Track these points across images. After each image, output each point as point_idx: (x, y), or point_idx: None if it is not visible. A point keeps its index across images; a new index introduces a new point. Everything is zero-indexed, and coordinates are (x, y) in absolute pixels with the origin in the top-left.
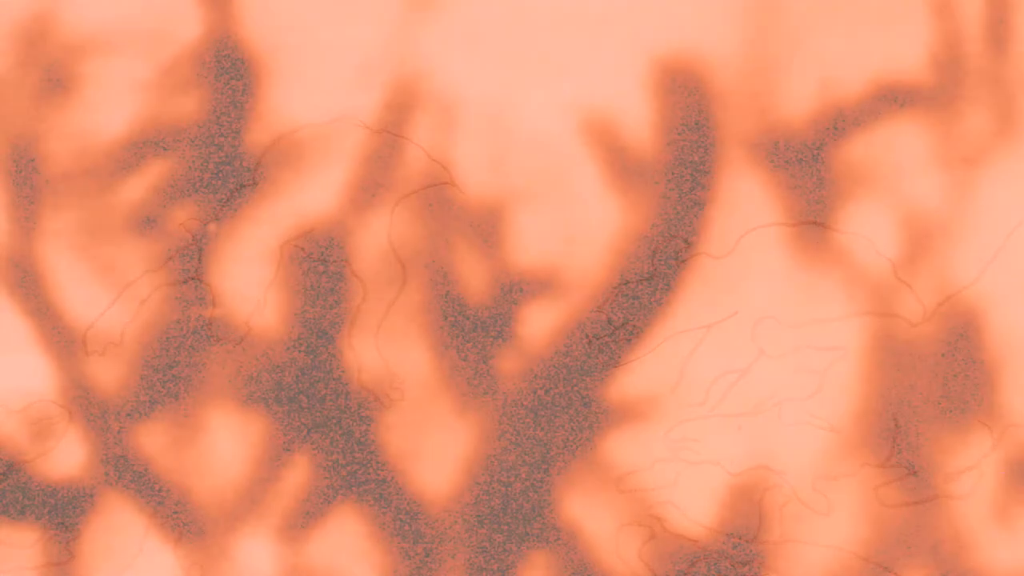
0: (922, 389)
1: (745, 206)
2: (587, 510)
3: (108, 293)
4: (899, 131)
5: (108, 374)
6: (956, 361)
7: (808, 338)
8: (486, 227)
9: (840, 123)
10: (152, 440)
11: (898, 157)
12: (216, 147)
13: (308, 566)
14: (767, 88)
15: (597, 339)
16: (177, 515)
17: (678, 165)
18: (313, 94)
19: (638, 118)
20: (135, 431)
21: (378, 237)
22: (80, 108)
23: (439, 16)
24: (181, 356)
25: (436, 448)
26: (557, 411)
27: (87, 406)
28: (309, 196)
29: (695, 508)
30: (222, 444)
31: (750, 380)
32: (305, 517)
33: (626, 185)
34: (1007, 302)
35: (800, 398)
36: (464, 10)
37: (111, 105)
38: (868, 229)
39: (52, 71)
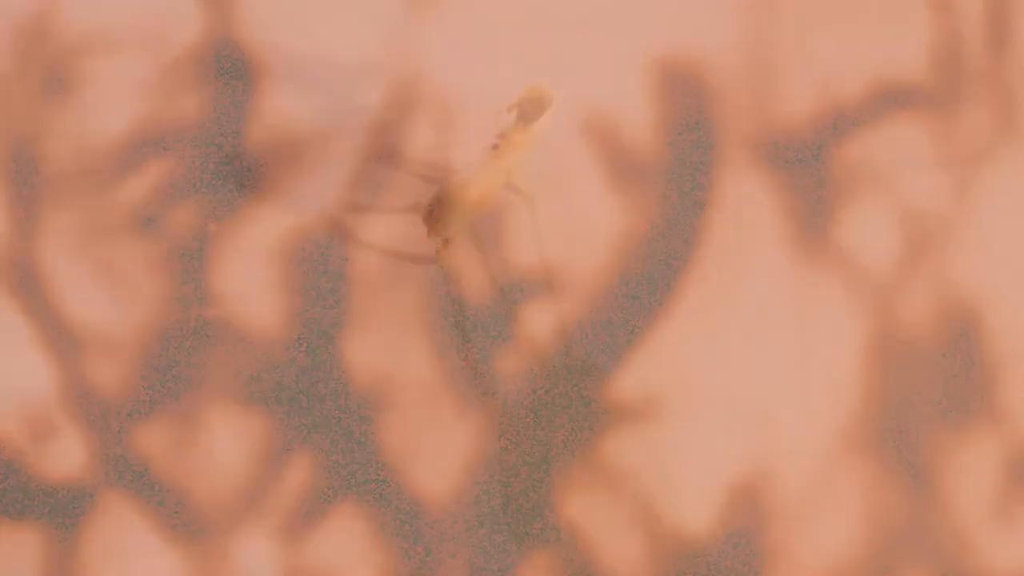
0: (922, 389)
1: (745, 206)
2: (587, 510)
3: (108, 293)
4: (899, 131)
5: (108, 374)
6: (956, 361)
7: (808, 338)
8: (486, 227)
9: (840, 123)
10: (152, 440)
11: (898, 157)
12: (216, 147)
13: (308, 566)
14: (767, 88)
15: (597, 339)
16: (177, 515)
17: (678, 165)
18: (313, 94)
19: (638, 118)
20: (135, 431)
21: (378, 237)
22: (80, 108)
23: (439, 16)
24: (181, 356)
25: (436, 448)
26: (557, 411)
27: (87, 406)
28: (309, 196)
29: (695, 508)
30: (222, 444)
31: (750, 380)
32: (305, 517)
33: (626, 185)
34: (1007, 302)
35: (800, 398)
36: (464, 10)
37: (111, 105)
38: (868, 229)
39: (52, 71)
